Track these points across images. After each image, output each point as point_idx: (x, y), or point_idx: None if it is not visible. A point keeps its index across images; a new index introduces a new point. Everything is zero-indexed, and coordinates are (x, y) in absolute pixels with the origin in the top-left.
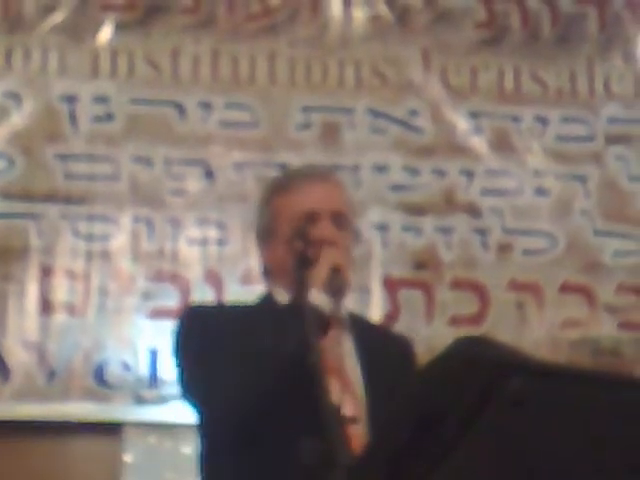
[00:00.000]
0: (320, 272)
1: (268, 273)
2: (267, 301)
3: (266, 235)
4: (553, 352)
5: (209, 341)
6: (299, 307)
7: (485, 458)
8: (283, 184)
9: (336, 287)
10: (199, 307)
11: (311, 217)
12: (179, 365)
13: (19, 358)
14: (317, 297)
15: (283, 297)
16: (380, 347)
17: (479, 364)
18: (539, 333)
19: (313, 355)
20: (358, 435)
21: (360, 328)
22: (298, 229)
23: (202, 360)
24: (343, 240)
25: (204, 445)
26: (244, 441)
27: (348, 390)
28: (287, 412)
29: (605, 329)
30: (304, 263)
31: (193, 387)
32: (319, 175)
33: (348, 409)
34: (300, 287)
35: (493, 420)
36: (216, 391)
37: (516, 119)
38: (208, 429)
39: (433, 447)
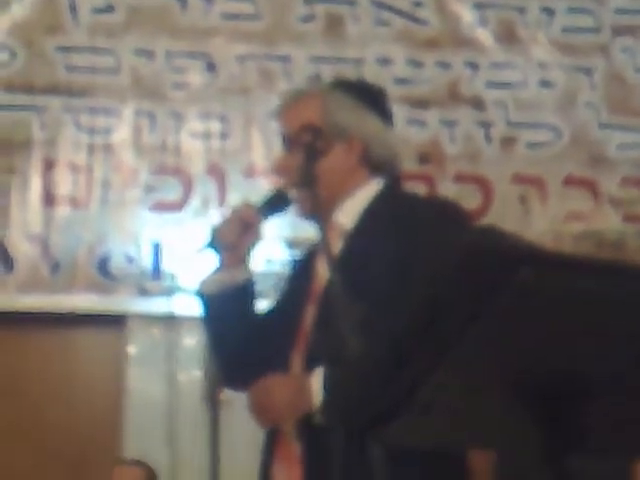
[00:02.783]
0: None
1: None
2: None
3: None
4: (557, 245)
5: None
6: None
7: (493, 346)
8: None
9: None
10: None
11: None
12: None
13: (23, 250)
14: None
15: None
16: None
17: (489, 253)
18: (542, 226)
19: None
20: None
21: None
22: (308, 124)
23: None
24: (286, 162)
25: None
26: None
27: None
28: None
29: (609, 222)
30: (313, 155)
31: None
32: (288, 97)
33: None
34: (310, 182)
35: (501, 309)
36: None
37: (522, 10)
38: None
39: (442, 336)
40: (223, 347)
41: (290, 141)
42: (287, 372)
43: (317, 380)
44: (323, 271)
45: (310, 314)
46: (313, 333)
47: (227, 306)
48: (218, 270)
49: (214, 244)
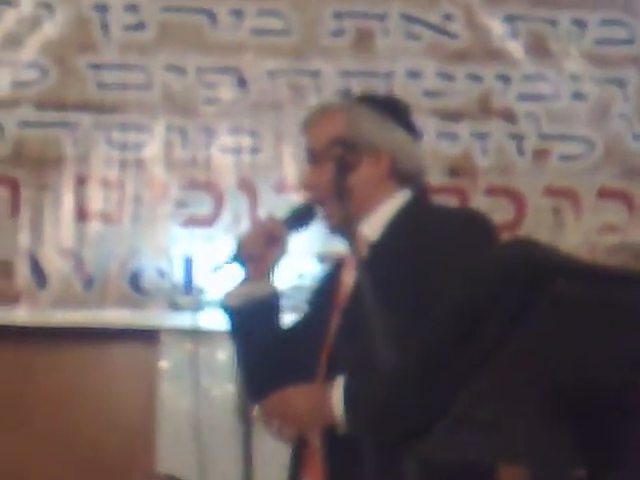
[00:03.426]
0: None
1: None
2: None
3: None
4: (591, 258)
5: None
6: None
7: (528, 359)
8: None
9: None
10: None
11: None
12: None
13: (56, 266)
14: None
15: None
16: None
17: (528, 265)
18: (576, 239)
19: None
20: None
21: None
22: (336, 138)
23: None
24: (314, 177)
25: None
26: None
27: None
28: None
29: None
30: (344, 168)
31: None
32: (312, 114)
33: None
34: (343, 195)
35: (537, 320)
36: None
37: (553, 23)
38: None
39: (478, 346)
40: (248, 360)
41: (317, 155)
42: (313, 382)
43: (338, 390)
44: (349, 281)
45: (335, 323)
46: (337, 342)
47: (252, 319)
48: (243, 283)
49: (239, 257)
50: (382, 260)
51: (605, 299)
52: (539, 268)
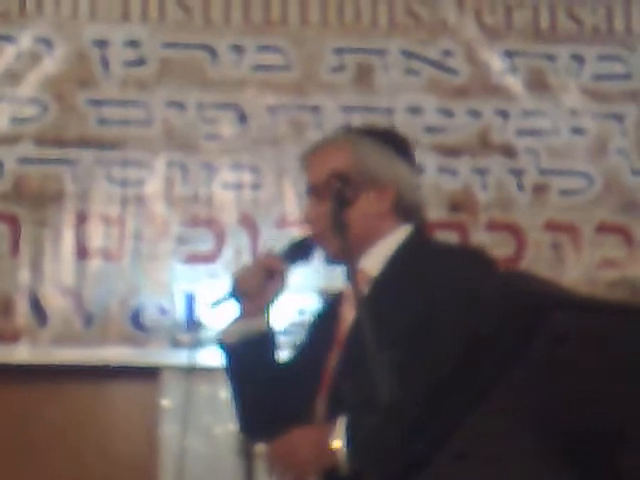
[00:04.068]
0: None
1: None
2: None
3: None
4: (591, 292)
5: None
6: None
7: (527, 393)
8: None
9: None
10: None
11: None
12: None
13: (56, 303)
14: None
15: None
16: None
17: (522, 298)
18: (576, 273)
19: None
20: None
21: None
22: (335, 172)
23: None
24: (313, 210)
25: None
26: None
27: None
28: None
29: None
30: (342, 202)
31: None
32: (311, 150)
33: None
34: (341, 229)
35: (535, 354)
36: None
37: (552, 58)
38: None
39: (475, 382)
40: (243, 398)
41: (317, 189)
42: (311, 419)
43: (340, 432)
44: (348, 316)
45: (334, 360)
46: (337, 379)
47: (246, 356)
48: (238, 319)
49: (235, 293)
50: (383, 295)
51: (602, 332)
52: (534, 301)
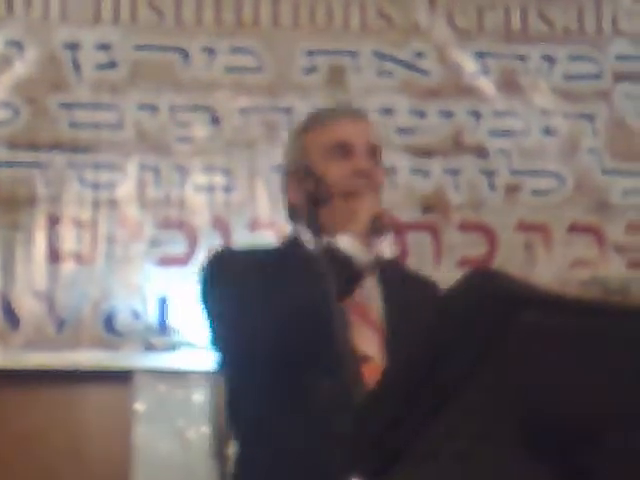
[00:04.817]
0: (360, 220)
1: (294, 213)
2: (294, 244)
3: (294, 172)
4: (562, 292)
5: (238, 283)
6: (325, 257)
7: (499, 391)
8: (316, 119)
9: (378, 235)
10: (227, 250)
11: (344, 148)
12: (208, 306)
13: (28, 307)
14: (353, 245)
15: (309, 239)
16: (408, 291)
17: (492, 297)
18: (548, 274)
19: (332, 305)
20: (374, 373)
21: (390, 273)
22: (306, 167)
23: (231, 300)
24: (377, 175)
25: (229, 390)
26: (268, 380)
27: (372, 333)
28: (308, 352)
29: (614, 269)
30: (315, 203)
31: (222, 327)
32: (352, 113)
33: (368, 350)
34: (314, 227)
35: (507, 353)
36: (246, 328)
37: (523, 58)
38: (234, 371)
39: (447, 382)
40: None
41: (373, 149)
42: None
43: None
44: (370, 293)
45: (370, 344)
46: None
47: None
48: None
49: None
50: (395, 281)
51: (573, 329)
52: (506, 299)
